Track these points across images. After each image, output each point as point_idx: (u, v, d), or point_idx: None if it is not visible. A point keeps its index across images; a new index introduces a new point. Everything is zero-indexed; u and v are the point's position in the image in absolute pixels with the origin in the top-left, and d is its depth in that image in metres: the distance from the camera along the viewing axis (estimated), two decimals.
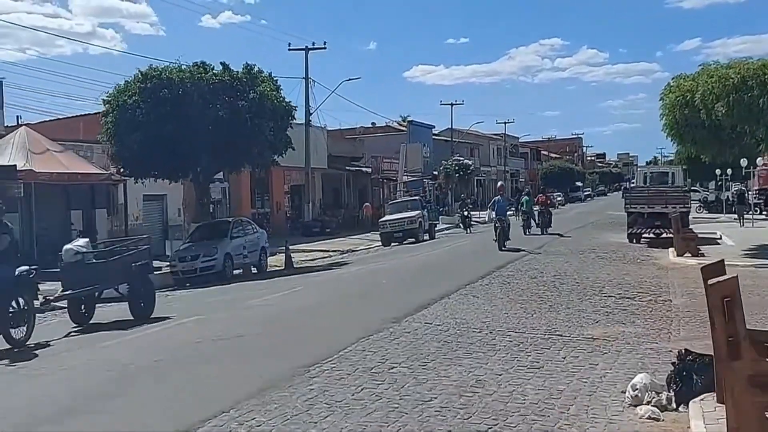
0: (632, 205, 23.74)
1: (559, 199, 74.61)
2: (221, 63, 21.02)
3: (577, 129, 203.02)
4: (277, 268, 22.88)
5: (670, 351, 7.67)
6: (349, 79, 40.01)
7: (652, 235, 23.78)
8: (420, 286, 14.41)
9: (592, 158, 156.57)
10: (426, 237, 32.83)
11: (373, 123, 66.48)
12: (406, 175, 41.02)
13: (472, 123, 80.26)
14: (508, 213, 26.24)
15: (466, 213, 37.19)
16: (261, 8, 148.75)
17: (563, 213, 53.49)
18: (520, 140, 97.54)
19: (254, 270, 21.73)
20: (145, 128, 19.54)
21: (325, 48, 40.16)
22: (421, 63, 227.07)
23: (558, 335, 9.54)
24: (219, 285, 18.56)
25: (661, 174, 27.19)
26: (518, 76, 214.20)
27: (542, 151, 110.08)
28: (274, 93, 21.45)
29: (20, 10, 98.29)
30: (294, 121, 23.28)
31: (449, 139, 66.20)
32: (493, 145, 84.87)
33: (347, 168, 43.60)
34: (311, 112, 39.36)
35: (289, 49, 40.81)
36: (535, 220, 29.79)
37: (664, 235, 23.38)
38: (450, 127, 68.13)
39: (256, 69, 21.47)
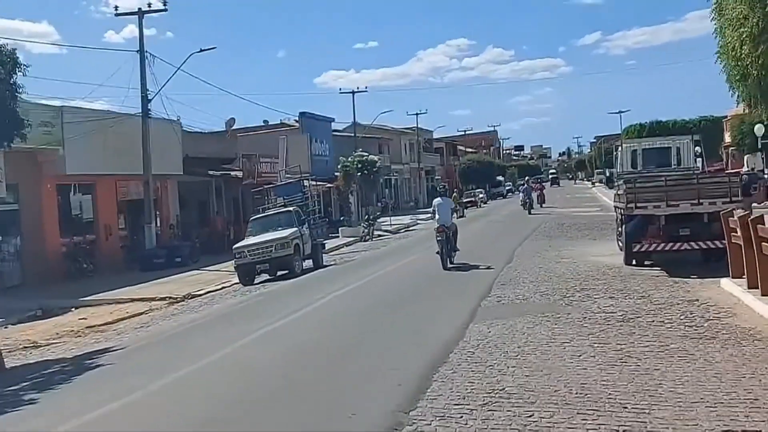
0: (637, 204, 13.76)
1: (481, 196, 65.65)
2: None
3: (489, 126, 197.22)
4: None
5: None
6: (202, 50, 29.03)
7: (665, 249, 13.93)
8: None
9: (509, 151, 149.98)
10: (309, 265, 22.39)
11: (265, 121, 55.60)
12: (290, 177, 30.39)
13: (378, 114, 70.20)
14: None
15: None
16: (166, 21, 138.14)
17: (491, 214, 43.99)
18: (434, 135, 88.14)
19: None
20: None
21: (165, 10, 29.08)
22: (331, 68, 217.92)
23: None
24: None
25: (659, 151, 17.23)
26: (428, 77, 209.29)
27: (458, 146, 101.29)
28: None
29: None
30: (15, 79, 12.24)
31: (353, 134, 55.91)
32: (405, 140, 74.99)
33: (210, 173, 32.55)
34: (150, 97, 28.33)
35: (117, 15, 29.70)
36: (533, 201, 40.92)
37: (685, 248, 13.71)
38: (353, 120, 58.00)
39: None
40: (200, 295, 19.68)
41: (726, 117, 55.24)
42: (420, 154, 76.78)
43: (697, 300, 10.78)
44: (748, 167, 43.88)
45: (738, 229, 11.03)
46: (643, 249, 13.90)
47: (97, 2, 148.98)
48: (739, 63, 10.69)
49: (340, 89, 61.48)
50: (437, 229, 17.33)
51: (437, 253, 17.09)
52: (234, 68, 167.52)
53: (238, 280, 20.78)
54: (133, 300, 19.87)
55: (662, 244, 13.63)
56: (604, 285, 12.63)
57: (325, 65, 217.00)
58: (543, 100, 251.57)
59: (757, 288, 10.39)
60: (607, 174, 62.46)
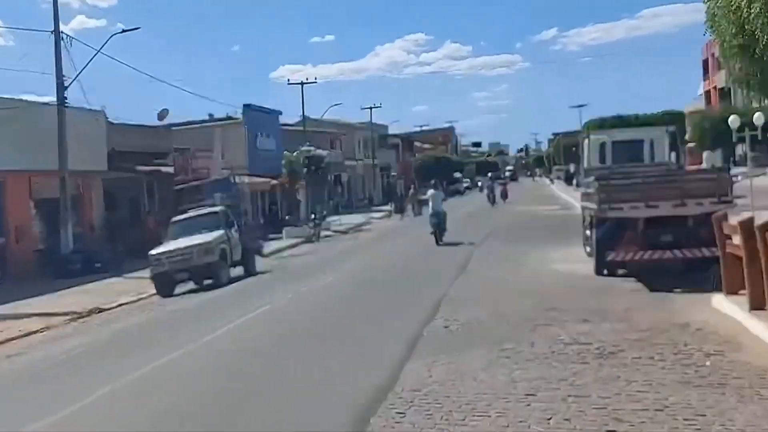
0: (611, 205, 11.63)
1: None
2: None
3: (447, 122, 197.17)
4: None
5: None
6: (124, 31, 26.35)
7: (643, 258, 11.83)
8: None
9: (467, 147, 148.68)
10: (241, 273, 19.89)
11: (210, 114, 52.55)
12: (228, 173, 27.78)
13: (328, 107, 66.91)
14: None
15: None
16: (117, 12, 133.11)
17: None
18: (389, 130, 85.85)
19: None
20: None
21: None
22: (287, 63, 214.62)
23: None
24: None
25: (631, 144, 15.04)
26: (385, 72, 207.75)
27: (414, 142, 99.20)
28: None
29: None
30: None
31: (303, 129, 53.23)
32: (359, 135, 72.50)
33: (137, 169, 29.69)
34: (66, 84, 25.45)
35: None
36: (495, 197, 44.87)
37: (667, 257, 11.64)
38: (302, 113, 55.33)
39: None
40: (109, 308, 17.09)
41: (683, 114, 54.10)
42: (374, 149, 74.41)
43: (689, 324, 8.68)
44: (707, 164, 42.65)
45: (737, 237, 8.97)
46: (617, 258, 11.78)
47: None
48: (744, 28, 8.63)
49: (288, 80, 58.82)
50: (431, 214, 22.22)
51: (431, 233, 21.42)
52: (187, 62, 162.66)
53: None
54: (31, 315, 17.17)
55: (640, 253, 11.52)
56: (574, 303, 10.47)
57: (281, 59, 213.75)
58: (501, 96, 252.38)
59: (763, 309, 8.36)
60: (571, 170, 60.72)
